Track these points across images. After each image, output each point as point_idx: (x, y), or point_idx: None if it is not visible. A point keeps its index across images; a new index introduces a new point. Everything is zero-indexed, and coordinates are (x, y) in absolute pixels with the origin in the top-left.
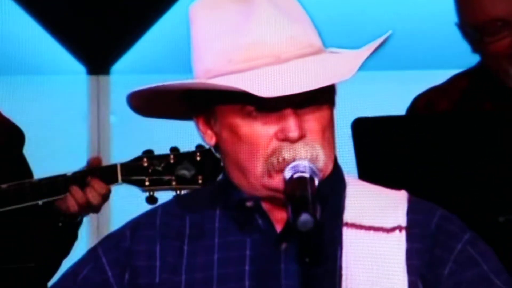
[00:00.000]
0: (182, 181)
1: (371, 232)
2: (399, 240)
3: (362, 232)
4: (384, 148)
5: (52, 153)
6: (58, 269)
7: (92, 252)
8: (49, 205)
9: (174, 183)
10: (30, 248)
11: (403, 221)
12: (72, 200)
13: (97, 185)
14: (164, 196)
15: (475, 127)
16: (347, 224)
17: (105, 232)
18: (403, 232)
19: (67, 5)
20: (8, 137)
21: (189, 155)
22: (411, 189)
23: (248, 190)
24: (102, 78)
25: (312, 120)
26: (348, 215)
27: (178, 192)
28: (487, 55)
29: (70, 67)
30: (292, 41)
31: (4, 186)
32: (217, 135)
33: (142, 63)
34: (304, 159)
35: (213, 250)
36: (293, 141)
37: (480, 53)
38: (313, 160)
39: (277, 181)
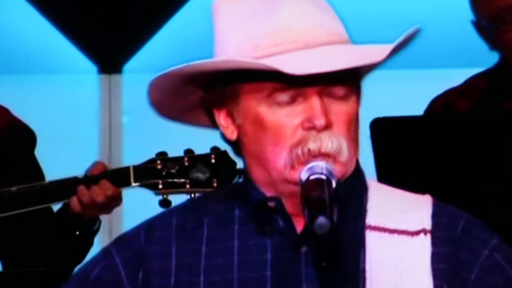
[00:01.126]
0: (196, 184)
1: (395, 235)
2: (424, 244)
3: (386, 235)
4: (402, 148)
5: (62, 154)
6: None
7: (105, 252)
8: (67, 213)
9: (188, 186)
10: (44, 254)
11: (428, 224)
12: (75, 199)
13: (104, 185)
14: (178, 200)
15: (495, 126)
16: (370, 227)
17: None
18: (428, 236)
19: (78, 4)
20: (20, 139)
21: (204, 158)
22: (430, 190)
23: (269, 187)
24: (113, 77)
25: (339, 112)
26: (371, 218)
27: (192, 195)
28: (505, 46)
29: (81, 66)
30: (322, 28)
31: (14, 189)
32: (239, 128)
33: (154, 62)
34: (329, 150)
35: (232, 252)
36: (319, 129)
37: (498, 49)
38: (337, 153)
39: (297, 176)
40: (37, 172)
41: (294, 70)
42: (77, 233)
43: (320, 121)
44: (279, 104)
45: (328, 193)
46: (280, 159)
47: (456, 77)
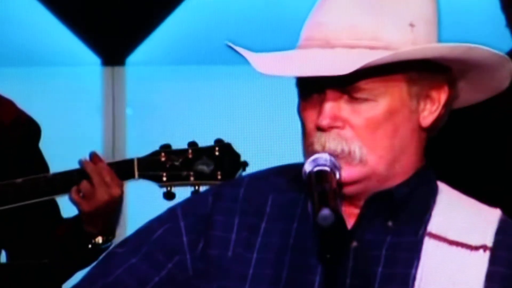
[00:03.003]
0: (200, 177)
1: (454, 247)
2: (482, 261)
3: (445, 245)
4: None
5: (65, 146)
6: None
7: (171, 212)
8: (80, 227)
9: (192, 178)
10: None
11: (489, 241)
12: (75, 192)
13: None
14: (181, 192)
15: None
16: (430, 234)
17: (122, 228)
18: (487, 253)
19: None
20: (25, 132)
21: (208, 150)
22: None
23: None
24: (117, 69)
25: (358, 115)
26: (434, 225)
27: (196, 187)
28: None
29: (84, 58)
30: (351, 29)
31: (18, 180)
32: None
33: (158, 54)
34: (333, 151)
35: (290, 234)
36: (324, 129)
37: None
38: (344, 155)
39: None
40: (42, 164)
41: (267, 70)
42: (89, 246)
43: (322, 121)
44: (302, 98)
45: (331, 185)
46: (304, 148)
47: None
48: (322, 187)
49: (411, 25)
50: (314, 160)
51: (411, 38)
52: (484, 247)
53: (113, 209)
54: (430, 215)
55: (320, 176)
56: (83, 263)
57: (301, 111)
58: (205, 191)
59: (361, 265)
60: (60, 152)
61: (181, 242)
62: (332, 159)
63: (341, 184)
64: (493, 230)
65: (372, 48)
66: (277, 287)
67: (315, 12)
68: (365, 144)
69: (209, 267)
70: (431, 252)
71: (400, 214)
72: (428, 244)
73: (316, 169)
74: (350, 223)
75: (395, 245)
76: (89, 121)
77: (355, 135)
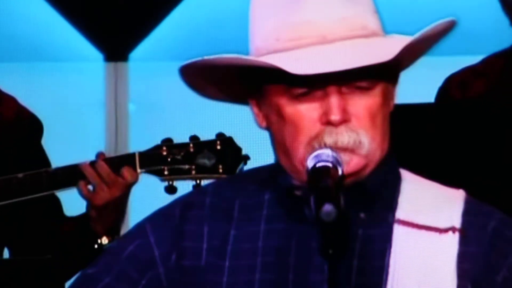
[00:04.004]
0: (202, 170)
1: (423, 231)
2: (452, 242)
3: (414, 230)
4: (411, 136)
5: (68, 141)
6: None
7: (139, 228)
8: (87, 225)
9: (194, 172)
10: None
11: (457, 223)
12: (82, 183)
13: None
14: (183, 186)
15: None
16: (399, 221)
17: (124, 222)
18: (457, 234)
19: None
20: (27, 128)
21: (209, 144)
22: (440, 178)
23: (295, 175)
24: (119, 65)
25: (359, 105)
26: (401, 212)
27: (198, 181)
28: None
29: (87, 54)
30: (343, 22)
31: (20, 175)
32: (267, 118)
33: (160, 49)
34: (346, 144)
35: (258, 237)
36: (335, 124)
37: None
38: (355, 146)
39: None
40: (44, 161)
41: (297, 70)
42: (96, 246)
43: (335, 117)
44: (298, 98)
45: (334, 180)
46: (299, 150)
47: (466, 64)
48: (325, 182)
49: (375, 11)
50: (316, 156)
51: (379, 23)
52: (453, 229)
53: (121, 204)
54: (396, 202)
55: (323, 172)
56: (87, 262)
57: (294, 111)
58: (172, 203)
59: (332, 262)
60: (63, 148)
61: (153, 257)
62: (335, 154)
63: (343, 179)
64: (459, 211)
65: (365, 36)
66: None
67: (294, 11)
68: (368, 133)
69: (184, 278)
70: (402, 239)
71: (371, 205)
72: (398, 231)
73: (319, 164)
74: None
75: (367, 237)
76: (92, 117)
77: (360, 126)
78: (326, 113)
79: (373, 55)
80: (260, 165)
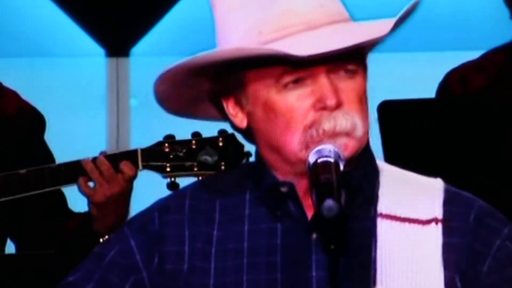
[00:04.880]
0: (204, 167)
1: (406, 224)
2: (436, 234)
3: (397, 224)
4: (410, 131)
5: (69, 137)
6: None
7: (119, 234)
8: (89, 225)
9: (196, 169)
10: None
11: (439, 213)
12: (82, 180)
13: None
14: (185, 183)
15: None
16: (381, 215)
17: (126, 218)
18: (439, 225)
19: None
20: (29, 123)
21: (212, 141)
22: (438, 173)
23: (281, 172)
24: (121, 60)
25: (349, 90)
26: (382, 205)
27: (200, 178)
28: None
29: (89, 49)
30: (322, 8)
31: (23, 171)
32: (249, 115)
33: (162, 45)
34: (344, 128)
35: (243, 237)
36: (331, 109)
37: None
38: (352, 129)
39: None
40: (47, 155)
41: (302, 52)
42: (101, 240)
43: (331, 101)
44: (288, 88)
45: (336, 176)
46: (293, 141)
47: (468, 59)
48: (326, 178)
49: None
50: (318, 151)
51: (346, 11)
52: (435, 220)
53: (122, 202)
54: (377, 196)
55: (324, 167)
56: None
57: (289, 99)
58: (150, 207)
59: (323, 257)
60: (64, 143)
61: (135, 261)
62: (336, 149)
63: (345, 174)
64: (440, 201)
65: (344, 21)
66: None
67: (274, 3)
68: (360, 116)
69: (167, 282)
70: (385, 233)
71: (353, 199)
72: (382, 225)
73: (320, 160)
74: (309, 215)
75: (352, 233)
76: (93, 112)
77: (352, 109)
78: (320, 99)
79: (367, 33)
80: None
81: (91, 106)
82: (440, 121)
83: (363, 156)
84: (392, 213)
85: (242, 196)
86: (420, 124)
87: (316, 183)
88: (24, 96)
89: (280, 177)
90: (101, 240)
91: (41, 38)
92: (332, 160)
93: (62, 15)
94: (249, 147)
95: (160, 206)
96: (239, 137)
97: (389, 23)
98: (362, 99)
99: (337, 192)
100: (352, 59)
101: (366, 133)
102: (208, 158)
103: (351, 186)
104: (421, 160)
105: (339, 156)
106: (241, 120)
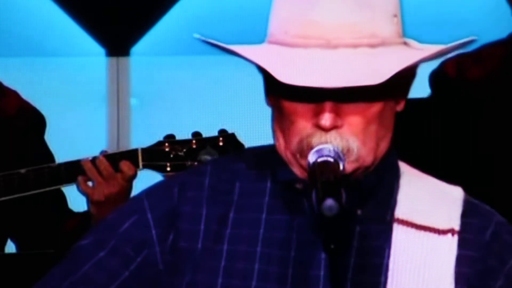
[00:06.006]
0: None
1: (422, 231)
2: (450, 245)
3: (413, 230)
4: (411, 132)
5: (70, 136)
6: None
7: (137, 203)
8: (88, 225)
9: None
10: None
11: (456, 224)
12: (81, 178)
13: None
14: None
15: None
16: (398, 220)
17: None
18: (455, 237)
19: None
20: (30, 122)
21: (212, 140)
22: (435, 172)
23: (299, 167)
24: (121, 59)
25: (354, 114)
26: (400, 210)
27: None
28: None
29: (89, 49)
30: (351, 28)
31: (23, 171)
32: (271, 103)
33: (162, 44)
34: None
35: (259, 225)
36: (325, 129)
37: None
38: (345, 152)
39: (305, 164)
40: (47, 155)
41: (281, 75)
42: None
43: (325, 122)
44: (295, 93)
45: (335, 175)
46: (293, 144)
47: None
48: (326, 177)
49: (395, 15)
50: (318, 151)
51: (396, 30)
52: (452, 231)
53: (121, 201)
54: (395, 200)
55: (325, 167)
56: None
57: (290, 104)
58: (170, 181)
59: (333, 257)
60: (65, 143)
61: (150, 235)
62: (336, 149)
63: (344, 174)
64: (458, 211)
65: (371, 46)
66: (250, 280)
67: (306, 8)
68: (359, 140)
69: (179, 261)
70: (400, 239)
71: (368, 202)
72: (397, 231)
73: (320, 159)
74: None
75: (365, 235)
76: (94, 112)
77: (352, 133)
78: (317, 117)
79: (361, 76)
80: None
81: (91, 106)
82: (439, 120)
83: (383, 160)
84: (409, 219)
85: (263, 183)
86: (420, 124)
87: (315, 182)
88: (24, 96)
89: (297, 173)
90: None
91: (41, 38)
92: (332, 159)
93: (62, 14)
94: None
95: (180, 182)
96: (239, 137)
97: (401, 62)
98: (371, 123)
99: (337, 191)
100: (363, 89)
101: (368, 155)
102: (209, 158)
103: (364, 190)
104: (419, 158)
105: (339, 156)
106: (268, 103)
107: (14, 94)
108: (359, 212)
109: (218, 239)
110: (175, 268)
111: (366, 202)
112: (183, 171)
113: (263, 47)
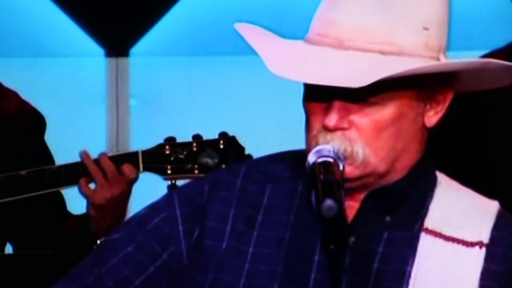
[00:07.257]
0: (205, 169)
1: (449, 243)
2: (478, 258)
3: (441, 241)
4: None
5: (69, 137)
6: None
7: (168, 200)
8: (87, 226)
9: (196, 171)
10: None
11: (485, 237)
12: (83, 180)
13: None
14: None
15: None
16: (426, 230)
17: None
18: (483, 250)
19: None
20: (30, 123)
21: (212, 143)
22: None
23: None
24: (121, 60)
25: (364, 117)
26: (430, 220)
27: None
28: None
29: (88, 49)
30: (365, 31)
31: (23, 172)
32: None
33: (162, 45)
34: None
35: (286, 228)
36: (329, 129)
37: None
38: (347, 156)
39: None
40: (47, 156)
41: (279, 71)
42: (95, 247)
43: (329, 122)
44: (309, 93)
45: (335, 176)
46: (307, 144)
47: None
48: (326, 177)
49: (425, 28)
50: (318, 151)
51: (424, 42)
52: (480, 244)
53: (120, 204)
54: (427, 209)
55: (324, 167)
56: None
57: (306, 104)
58: (203, 178)
59: (357, 261)
60: (64, 144)
61: (176, 232)
62: (336, 150)
63: (344, 175)
64: (489, 225)
65: (384, 53)
66: (273, 282)
67: (327, 7)
68: (368, 145)
69: (204, 258)
70: (427, 249)
71: (398, 209)
72: (424, 240)
73: (320, 160)
74: (349, 216)
75: (392, 241)
76: (93, 112)
77: (360, 136)
78: (325, 116)
79: (346, 78)
80: None
81: (91, 106)
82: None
83: (415, 169)
84: (438, 230)
85: (294, 186)
86: None
87: (315, 183)
88: (24, 95)
89: None
90: (98, 241)
91: (41, 38)
92: (331, 160)
93: (62, 15)
94: (250, 150)
95: (212, 180)
96: (240, 140)
97: (383, 72)
98: (383, 130)
99: (337, 192)
100: (372, 92)
101: (379, 164)
102: (209, 161)
103: (393, 197)
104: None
105: (338, 156)
106: None
107: (14, 94)
108: (387, 218)
109: (244, 240)
110: (198, 264)
111: (395, 209)
112: (219, 169)
113: (290, 43)
